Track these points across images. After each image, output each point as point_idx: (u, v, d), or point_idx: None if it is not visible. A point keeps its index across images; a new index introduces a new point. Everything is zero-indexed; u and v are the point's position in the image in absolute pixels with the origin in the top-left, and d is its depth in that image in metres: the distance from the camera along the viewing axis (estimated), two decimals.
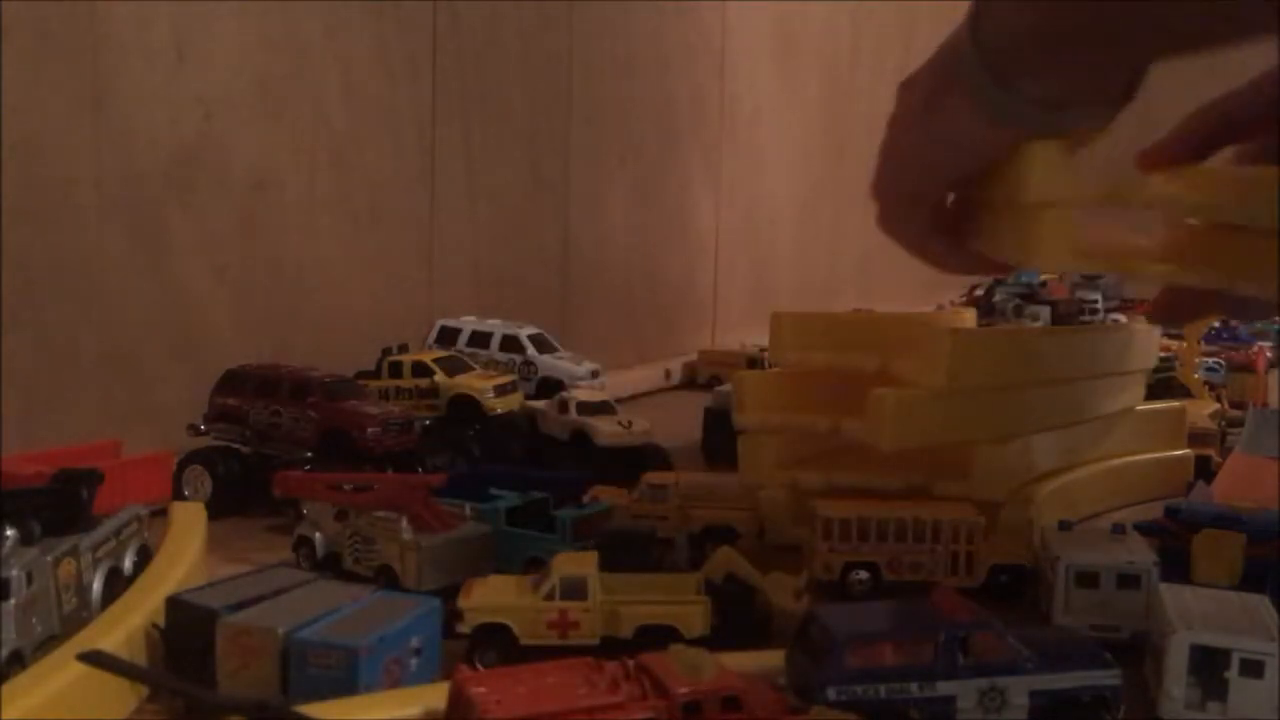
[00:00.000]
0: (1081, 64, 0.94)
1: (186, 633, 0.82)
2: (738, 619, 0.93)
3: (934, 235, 1.04)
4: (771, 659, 0.81)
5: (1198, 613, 0.83)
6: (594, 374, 1.72)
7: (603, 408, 1.46)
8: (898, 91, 1.04)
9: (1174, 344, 1.93)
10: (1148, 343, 1.43)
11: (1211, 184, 1.10)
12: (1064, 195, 1.01)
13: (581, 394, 1.49)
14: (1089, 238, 1.03)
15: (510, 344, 1.71)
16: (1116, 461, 1.39)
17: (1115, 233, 1.13)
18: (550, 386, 1.64)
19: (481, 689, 0.69)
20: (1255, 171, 1.32)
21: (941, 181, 1.03)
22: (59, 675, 0.73)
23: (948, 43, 0.99)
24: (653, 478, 1.20)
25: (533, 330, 1.75)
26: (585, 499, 1.17)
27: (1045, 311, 2.74)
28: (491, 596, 0.91)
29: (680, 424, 1.69)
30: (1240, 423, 1.44)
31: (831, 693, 0.75)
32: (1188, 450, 1.47)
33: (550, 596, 0.90)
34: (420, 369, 1.51)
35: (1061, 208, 1.00)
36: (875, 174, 1.07)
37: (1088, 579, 0.96)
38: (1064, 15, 0.90)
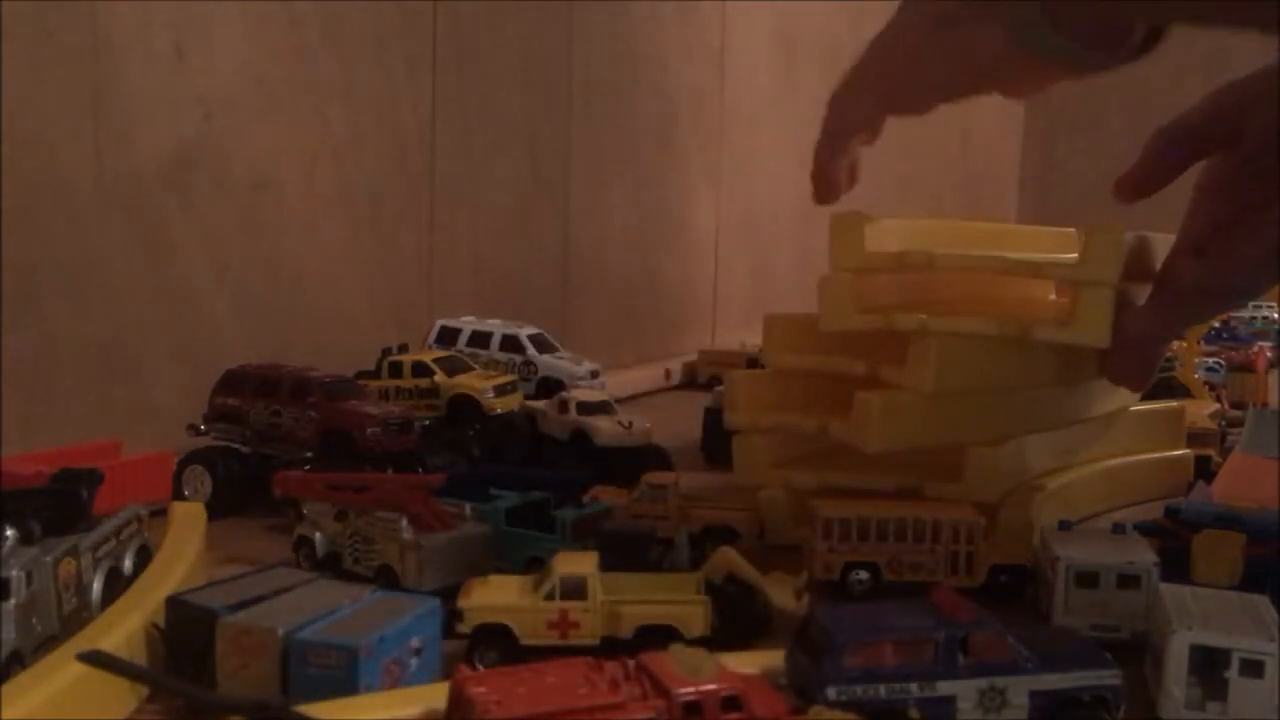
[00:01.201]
0: (1147, 15, 0.95)
1: (186, 633, 0.82)
2: (738, 619, 0.93)
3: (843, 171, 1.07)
4: (771, 659, 0.81)
5: (1198, 613, 0.83)
6: (594, 374, 1.71)
7: (603, 408, 1.46)
8: (896, 12, 1.05)
9: (1174, 344, 1.93)
10: None
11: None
12: (862, 263, 1.07)
13: (581, 394, 1.49)
14: (877, 299, 1.09)
15: (510, 344, 1.71)
16: (1116, 462, 1.39)
17: (910, 292, 1.18)
18: (550, 386, 1.64)
19: (481, 689, 0.69)
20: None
21: (936, 97, 1.04)
22: (59, 675, 0.73)
23: None
24: (653, 478, 1.20)
25: (533, 330, 1.75)
26: (585, 499, 1.17)
27: None
28: (491, 596, 0.91)
29: (680, 424, 1.69)
30: (1240, 423, 1.44)
31: (831, 693, 0.75)
32: (1187, 450, 1.47)
33: (550, 596, 0.90)
34: (420, 369, 1.50)
35: (844, 275, 1.06)
36: (845, 82, 1.08)
37: (1088, 579, 0.96)
38: None
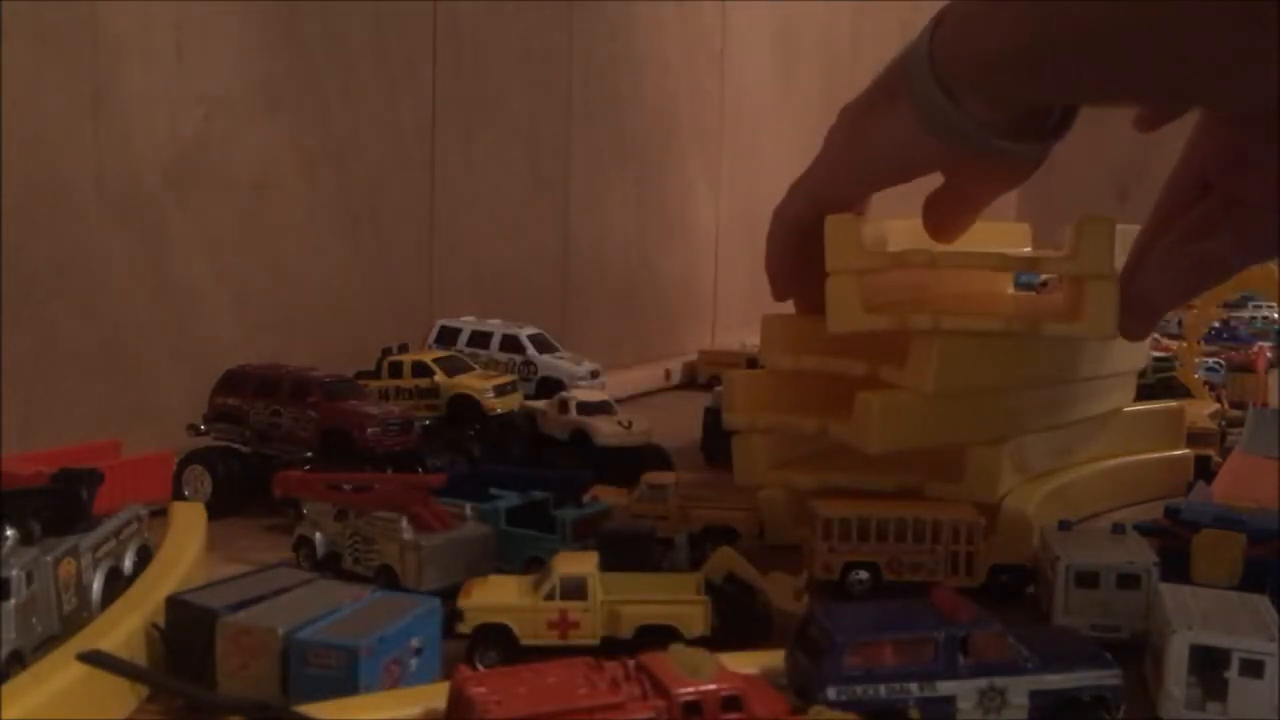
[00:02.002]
0: (1036, 96, 0.96)
1: (186, 633, 0.83)
2: (738, 619, 0.93)
3: (798, 272, 1.10)
4: (771, 659, 0.81)
5: (1198, 613, 0.83)
6: (594, 374, 1.72)
7: (603, 408, 1.46)
8: (838, 115, 1.09)
9: (1174, 344, 1.93)
10: (1137, 343, 1.43)
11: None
12: (858, 264, 1.07)
13: (581, 394, 1.49)
14: (881, 299, 1.09)
15: (510, 344, 1.71)
16: (1116, 461, 1.39)
17: (914, 291, 1.18)
18: (550, 386, 1.64)
19: (481, 689, 0.69)
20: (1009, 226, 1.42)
21: (861, 187, 1.07)
22: (59, 675, 0.73)
23: (896, 58, 1.02)
24: (653, 478, 1.20)
25: (533, 330, 1.75)
26: (585, 499, 1.17)
27: None
28: (491, 596, 0.91)
29: (680, 424, 1.69)
30: (1240, 423, 1.44)
31: (831, 693, 0.75)
32: (1187, 450, 1.47)
33: (550, 596, 0.90)
34: (420, 369, 1.50)
35: (849, 276, 1.07)
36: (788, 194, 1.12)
37: (1088, 579, 0.96)
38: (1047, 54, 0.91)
